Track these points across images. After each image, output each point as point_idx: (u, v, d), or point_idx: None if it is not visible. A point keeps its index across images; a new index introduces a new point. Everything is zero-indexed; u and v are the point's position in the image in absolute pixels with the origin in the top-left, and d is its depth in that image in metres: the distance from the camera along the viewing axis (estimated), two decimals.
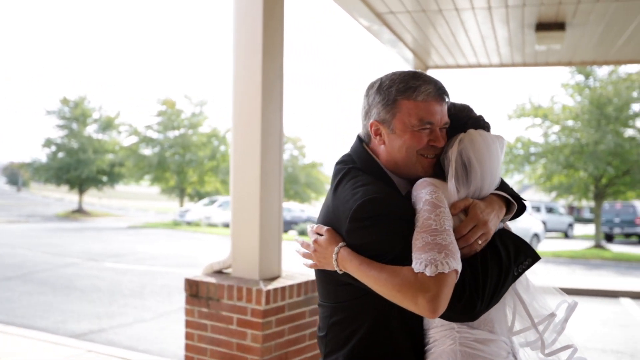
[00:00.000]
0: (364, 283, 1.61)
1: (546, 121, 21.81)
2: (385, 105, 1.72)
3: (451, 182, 1.65)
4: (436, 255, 1.48)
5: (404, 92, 1.69)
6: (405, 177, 1.76)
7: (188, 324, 3.82)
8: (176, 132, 34.92)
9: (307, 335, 3.82)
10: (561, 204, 31.20)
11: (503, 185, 1.79)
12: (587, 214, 48.16)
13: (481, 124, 1.76)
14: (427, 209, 1.57)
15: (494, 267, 1.59)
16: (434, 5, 5.43)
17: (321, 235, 1.73)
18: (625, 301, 10.40)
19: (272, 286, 3.57)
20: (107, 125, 37.24)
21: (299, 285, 3.75)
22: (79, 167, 35.65)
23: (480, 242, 1.63)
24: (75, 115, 36.42)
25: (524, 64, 7.90)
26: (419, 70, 1.79)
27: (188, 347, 3.82)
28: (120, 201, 57.10)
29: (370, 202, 1.59)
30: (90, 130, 37.45)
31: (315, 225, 1.79)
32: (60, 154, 36.71)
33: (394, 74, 1.75)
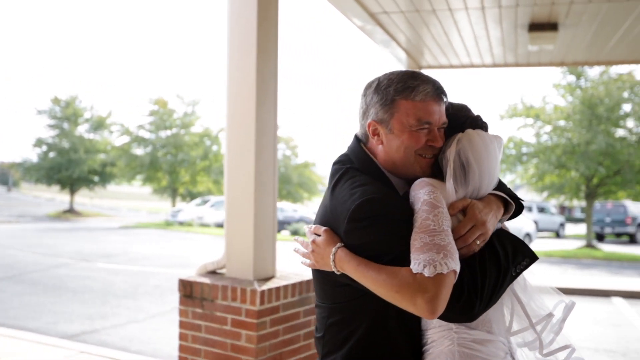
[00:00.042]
0: (361, 284, 1.60)
1: (538, 121, 21.92)
2: (383, 105, 1.71)
3: (449, 182, 1.65)
4: (435, 256, 1.47)
5: (402, 92, 1.69)
6: (403, 177, 1.75)
7: (182, 325, 3.80)
8: (168, 132, 34.79)
9: (302, 335, 3.81)
10: (552, 203, 31.35)
11: (501, 185, 1.79)
12: (578, 214, 48.40)
13: (479, 124, 1.76)
14: (426, 210, 1.56)
15: (492, 267, 1.59)
16: (427, 5, 5.43)
17: (319, 235, 1.72)
18: (617, 300, 10.46)
19: (266, 286, 3.56)
20: (98, 124, 37.07)
21: (294, 285, 3.74)
22: (70, 167, 35.46)
23: (478, 242, 1.62)
24: (66, 114, 36.23)
25: (517, 64, 7.92)
26: (417, 70, 1.78)
27: (182, 348, 3.80)
28: (111, 201, 56.84)
29: (368, 203, 1.58)
30: (82, 130, 37.28)
31: (313, 226, 1.78)
32: (52, 154, 36.50)
33: (392, 73, 1.74)
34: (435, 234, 1.52)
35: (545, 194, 23.85)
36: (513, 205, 1.77)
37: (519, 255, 1.66)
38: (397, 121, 1.70)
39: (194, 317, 3.73)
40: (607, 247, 22.72)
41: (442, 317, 1.54)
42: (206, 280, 3.72)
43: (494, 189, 1.75)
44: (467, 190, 1.69)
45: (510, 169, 23.11)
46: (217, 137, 35.30)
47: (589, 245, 21.57)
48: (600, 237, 27.18)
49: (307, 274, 3.98)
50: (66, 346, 5.96)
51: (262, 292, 3.49)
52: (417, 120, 1.68)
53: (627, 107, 21.13)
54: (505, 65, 7.89)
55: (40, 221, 30.66)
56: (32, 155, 38.49)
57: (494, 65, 7.89)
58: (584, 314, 9.00)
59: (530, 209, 29.75)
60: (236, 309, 3.54)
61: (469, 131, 1.71)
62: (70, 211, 37.28)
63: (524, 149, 22.63)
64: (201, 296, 3.69)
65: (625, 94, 20.78)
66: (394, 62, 7.48)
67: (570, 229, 35.85)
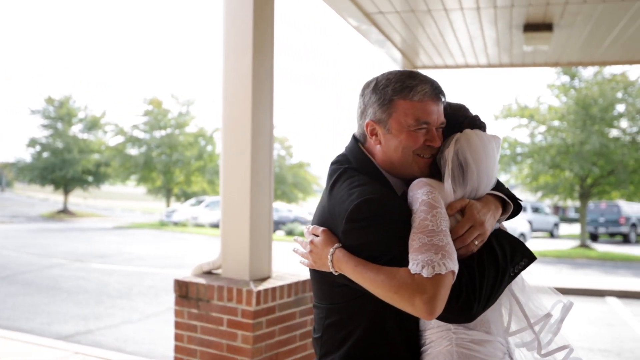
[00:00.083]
0: (359, 284, 1.60)
1: (532, 121, 21.99)
2: (381, 105, 1.71)
3: (447, 183, 1.64)
4: (433, 257, 1.47)
5: (400, 91, 1.68)
6: (401, 177, 1.75)
7: (177, 325, 3.79)
8: (163, 132, 34.68)
9: (298, 336, 3.81)
10: (547, 203, 31.43)
11: (499, 185, 1.78)
12: (572, 214, 48.55)
13: (477, 124, 1.75)
14: (424, 210, 1.56)
15: (490, 267, 1.58)
16: (422, 6, 5.43)
17: (317, 236, 1.72)
18: (611, 300, 10.50)
19: (262, 287, 3.55)
20: (92, 124, 36.93)
21: (290, 285, 3.73)
22: (64, 167, 35.31)
23: (476, 242, 1.62)
24: (60, 114, 36.07)
25: (512, 65, 7.93)
26: (415, 70, 1.78)
27: (177, 349, 3.79)
28: (105, 201, 56.63)
29: (367, 203, 1.58)
30: (76, 129, 37.11)
31: (311, 226, 1.77)
32: (45, 154, 36.34)
33: (390, 73, 1.73)
34: (434, 235, 1.51)
35: (539, 194, 23.93)
36: (511, 206, 1.76)
37: (517, 255, 1.66)
38: (395, 121, 1.69)
39: (190, 317, 3.72)
40: (600, 247, 22.81)
41: (440, 318, 1.53)
42: (202, 280, 3.71)
43: (492, 189, 1.75)
44: (466, 191, 1.68)
45: (505, 169, 23.17)
46: (212, 137, 35.22)
47: (583, 245, 21.65)
48: (594, 237, 27.29)
49: (303, 275, 3.98)
50: (60, 347, 5.93)
51: (258, 292, 3.48)
52: (415, 120, 1.68)
53: (620, 108, 21.23)
54: (500, 65, 7.90)
55: (33, 221, 30.54)
56: (26, 155, 38.28)
57: (489, 65, 7.90)
58: (579, 314, 9.03)
59: (524, 209, 29.83)
60: (232, 309, 3.53)
61: (467, 131, 1.70)
62: (64, 211, 37.14)
63: (519, 149, 22.70)
64: (197, 297, 3.68)
65: (619, 95, 20.88)
66: (389, 62, 7.48)
67: (564, 229, 35.95)
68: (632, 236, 26.98)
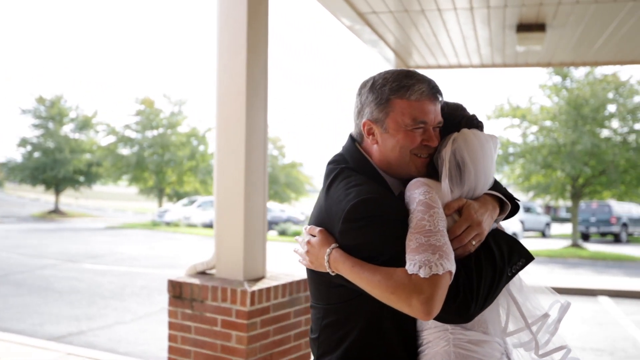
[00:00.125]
0: (356, 285, 1.59)
1: (524, 122, 22.07)
2: (378, 105, 1.70)
3: (445, 182, 1.64)
4: (430, 257, 1.46)
5: (397, 91, 1.68)
6: (398, 177, 1.74)
7: (171, 326, 3.77)
8: (155, 132, 34.59)
9: (292, 336, 3.80)
10: (538, 203, 31.55)
11: (496, 185, 1.78)
12: (563, 214, 48.75)
13: (475, 124, 1.75)
14: (421, 210, 1.55)
15: (488, 267, 1.58)
16: (416, 6, 5.44)
17: (314, 236, 1.71)
18: (603, 299, 10.54)
19: (256, 287, 3.54)
20: (84, 124, 36.78)
21: (284, 286, 3.72)
22: (55, 167, 35.14)
23: (474, 242, 1.61)
24: (51, 114, 35.91)
25: (504, 65, 7.95)
26: (413, 69, 1.77)
27: (171, 350, 3.77)
28: (97, 201, 56.41)
29: (364, 203, 1.57)
30: (67, 129, 36.97)
31: (309, 226, 1.76)
32: (36, 154, 36.17)
33: (387, 72, 1.73)
34: (431, 235, 1.51)
35: (531, 193, 24.02)
36: (509, 205, 1.76)
37: (514, 255, 1.65)
38: (392, 120, 1.69)
39: (184, 318, 3.70)
40: (592, 247, 22.91)
41: (437, 318, 1.52)
42: (196, 281, 3.70)
43: (490, 189, 1.74)
44: (463, 190, 1.68)
45: (497, 169, 23.12)
46: (204, 137, 35.17)
47: (575, 245, 21.75)
48: (586, 237, 27.42)
49: (298, 275, 3.97)
50: (53, 348, 5.89)
51: (253, 292, 3.47)
52: (413, 120, 1.67)
53: (612, 108, 21.34)
54: (493, 65, 7.92)
55: (24, 222, 30.37)
56: (17, 155, 38.14)
57: (482, 65, 7.92)
58: (572, 313, 9.06)
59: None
60: (226, 309, 3.51)
61: (465, 131, 1.70)
62: (56, 211, 36.96)
63: (511, 149, 22.78)
64: (191, 297, 3.66)
65: (610, 95, 20.99)
66: (383, 62, 7.48)
67: (556, 228, 36.11)
68: (623, 236, 27.14)
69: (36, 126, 36.17)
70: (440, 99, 1.73)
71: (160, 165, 33.86)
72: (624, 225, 27.23)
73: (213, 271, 3.93)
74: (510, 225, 20.08)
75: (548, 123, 21.69)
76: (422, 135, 1.69)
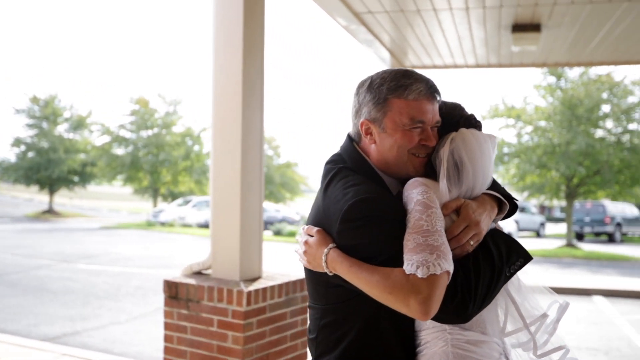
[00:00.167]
0: (354, 285, 1.58)
1: (519, 122, 22.12)
2: (376, 104, 1.69)
3: (443, 182, 1.63)
4: (428, 257, 1.46)
5: (395, 90, 1.67)
6: (396, 176, 1.74)
7: (167, 326, 3.76)
8: (149, 132, 34.51)
9: (289, 336, 3.79)
10: (533, 203, 31.64)
11: (495, 185, 1.78)
12: (557, 214, 48.88)
13: (473, 123, 1.75)
14: (419, 210, 1.55)
15: (486, 267, 1.58)
16: (412, 6, 5.44)
17: (312, 236, 1.70)
18: (598, 299, 10.57)
19: (253, 287, 3.54)
20: (78, 124, 36.64)
21: (280, 286, 3.71)
22: (49, 167, 34.98)
23: (472, 242, 1.61)
24: (45, 114, 35.75)
25: (500, 65, 7.97)
26: (410, 69, 1.77)
27: (167, 350, 3.76)
28: (92, 201, 56.20)
29: (362, 203, 1.56)
30: (61, 129, 36.80)
31: (307, 226, 1.76)
32: (30, 154, 35.99)
33: (385, 72, 1.72)
34: (429, 235, 1.50)
35: (525, 193, 24.08)
36: (507, 205, 1.76)
37: (513, 255, 1.65)
38: (390, 120, 1.68)
39: (180, 318, 3.69)
40: (586, 247, 22.99)
41: (435, 318, 1.52)
42: (192, 281, 3.69)
43: (488, 189, 1.74)
44: (461, 190, 1.67)
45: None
46: (199, 137, 35.11)
47: (569, 245, 21.81)
48: (580, 237, 27.50)
49: (294, 275, 3.96)
50: (47, 349, 5.87)
51: (249, 292, 3.46)
52: (410, 119, 1.67)
53: (606, 108, 21.41)
54: (489, 65, 7.94)
55: (18, 222, 30.23)
56: (10, 155, 38.01)
57: (477, 65, 7.93)
58: (566, 313, 9.07)
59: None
60: (222, 310, 3.51)
61: (463, 130, 1.69)
62: (50, 212, 36.80)
63: (505, 149, 22.83)
64: (187, 297, 3.65)
65: (605, 95, 21.06)
66: (378, 61, 7.49)
67: (551, 228, 36.19)
68: (617, 235, 27.23)
69: (30, 126, 36.00)
70: (438, 98, 1.72)
71: (155, 165, 33.78)
72: (618, 225, 27.33)
73: (209, 271, 3.92)
74: (505, 225, 20.13)
75: (543, 123, 21.75)
76: (420, 134, 1.68)
